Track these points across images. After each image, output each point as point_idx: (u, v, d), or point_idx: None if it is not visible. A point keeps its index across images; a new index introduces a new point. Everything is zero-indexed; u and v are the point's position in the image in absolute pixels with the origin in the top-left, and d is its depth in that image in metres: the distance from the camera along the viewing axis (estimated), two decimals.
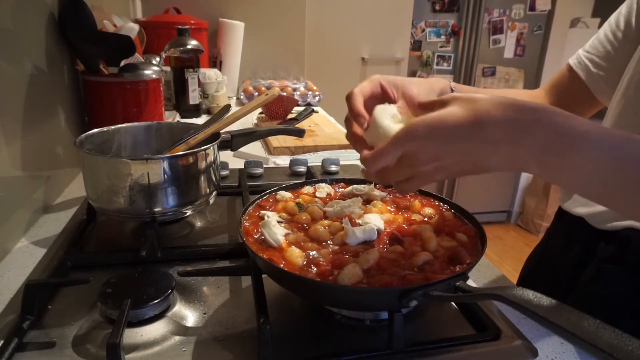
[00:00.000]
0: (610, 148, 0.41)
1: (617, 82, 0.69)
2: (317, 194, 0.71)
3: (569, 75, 0.78)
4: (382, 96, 0.61)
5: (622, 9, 0.71)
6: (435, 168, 0.45)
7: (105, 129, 0.82)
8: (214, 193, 0.79)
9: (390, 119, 0.51)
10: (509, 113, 0.42)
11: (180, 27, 1.52)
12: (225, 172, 1.02)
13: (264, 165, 1.09)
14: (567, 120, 0.42)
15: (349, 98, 0.57)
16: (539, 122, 0.42)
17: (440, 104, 0.46)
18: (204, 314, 0.57)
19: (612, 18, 0.73)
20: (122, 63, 1.10)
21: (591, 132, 0.41)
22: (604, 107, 0.76)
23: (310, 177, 0.98)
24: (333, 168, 1.09)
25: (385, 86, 0.61)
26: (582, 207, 0.71)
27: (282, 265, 0.51)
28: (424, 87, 0.63)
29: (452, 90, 0.68)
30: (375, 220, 0.60)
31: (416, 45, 3.14)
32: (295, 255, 0.53)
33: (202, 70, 1.72)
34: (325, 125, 1.53)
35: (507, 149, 0.43)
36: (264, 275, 0.57)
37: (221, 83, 1.80)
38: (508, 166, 0.44)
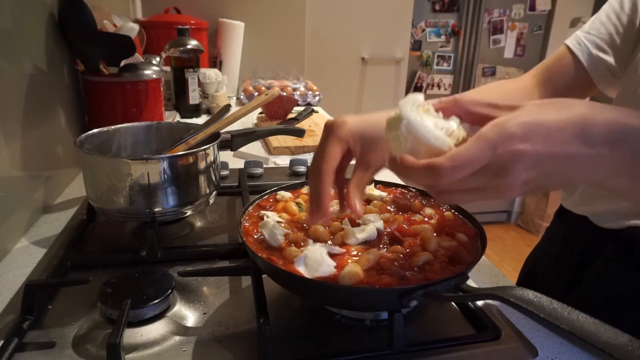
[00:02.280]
0: None
1: (621, 70, 0.65)
2: None
3: (566, 58, 0.71)
4: (347, 155, 0.52)
5: None
6: (525, 182, 0.37)
7: (105, 129, 0.82)
8: (214, 193, 0.79)
9: (433, 124, 0.39)
10: (608, 111, 0.37)
11: (180, 27, 1.52)
12: (225, 172, 1.02)
13: (264, 165, 1.09)
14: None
15: (312, 177, 0.49)
16: (634, 125, 0.37)
17: (511, 108, 0.38)
18: (204, 314, 0.57)
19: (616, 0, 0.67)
20: (122, 63, 1.10)
21: None
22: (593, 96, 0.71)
23: None
24: None
25: (350, 145, 0.51)
26: (585, 206, 0.70)
27: (281, 265, 0.51)
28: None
29: None
30: (375, 220, 0.60)
31: (416, 45, 3.14)
32: (295, 255, 0.53)
33: (202, 70, 1.72)
34: None
35: (604, 156, 0.37)
36: (264, 275, 0.57)
37: (221, 83, 1.80)
38: (598, 176, 0.39)
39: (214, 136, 0.80)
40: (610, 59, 0.68)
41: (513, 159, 0.35)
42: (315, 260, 0.51)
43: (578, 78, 0.70)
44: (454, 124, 0.40)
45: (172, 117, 1.56)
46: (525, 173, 0.36)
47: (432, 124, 0.39)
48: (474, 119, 0.40)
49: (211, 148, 0.75)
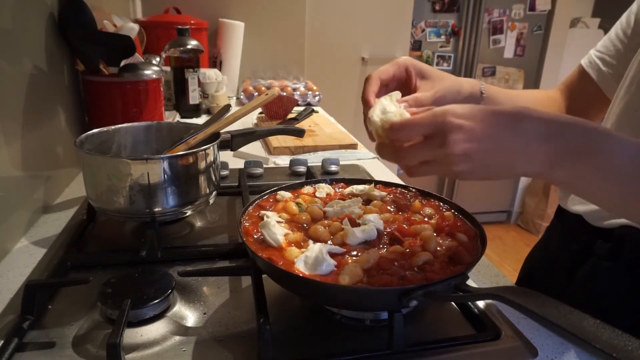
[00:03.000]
0: (635, 154, 0.44)
1: None
2: (317, 194, 0.71)
3: (580, 76, 0.78)
4: (406, 81, 0.61)
5: (633, 6, 0.71)
6: (465, 154, 0.44)
7: (105, 129, 0.82)
8: (214, 193, 0.79)
9: (393, 110, 0.51)
10: (546, 113, 0.44)
11: (180, 27, 1.52)
12: (225, 172, 1.02)
13: (264, 165, 1.09)
14: (597, 126, 0.45)
15: (365, 82, 0.57)
16: (573, 123, 0.44)
17: None
18: (204, 314, 0.57)
19: (624, 16, 0.73)
20: (122, 63, 1.11)
21: (618, 138, 0.44)
22: None
23: (310, 177, 0.98)
24: (333, 168, 1.09)
25: (411, 72, 0.61)
26: (580, 205, 0.72)
27: (281, 265, 0.51)
28: (451, 90, 0.62)
29: (482, 94, 0.67)
30: (375, 220, 0.60)
31: (416, 45, 3.14)
32: (295, 255, 0.53)
33: (202, 70, 1.72)
34: (325, 125, 1.53)
35: (539, 147, 0.43)
36: (264, 275, 0.57)
37: (221, 83, 1.80)
38: (535, 167, 0.45)
39: (214, 136, 0.80)
40: (617, 72, 0.72)
41: (451, 129, 0.43)
42: (315, 260, 0.51)
43: (594, 94, 0.76)
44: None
45: (172, 117, 1.56)
46: (463, 144, 0.43)
47: (394, 107, 0.52)
48: None
49: (211, 148, 0.75)
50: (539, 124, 0.44)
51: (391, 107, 0.52)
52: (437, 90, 0.61)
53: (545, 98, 0.79)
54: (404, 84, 0.63)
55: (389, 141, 0.49)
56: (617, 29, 0.73)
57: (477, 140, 0.43)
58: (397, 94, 0.56)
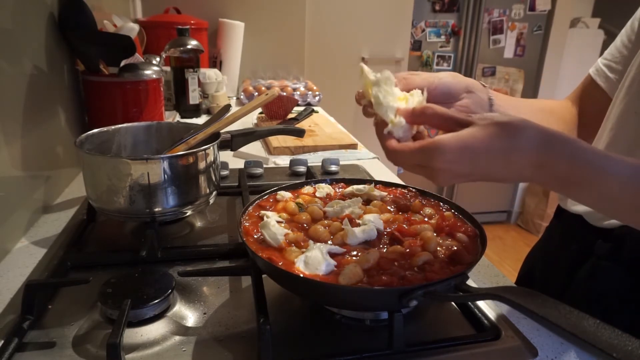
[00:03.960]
0: (628, 178, 0.45)
1: None
2: (317, 194, 0.71)
3: (589, 85, 0.78)
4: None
5: (637, 13, 0.71)
6: (452, 181, 0.47)
7: (105, 129, 0.82)
8: (214, 193, 0.79)
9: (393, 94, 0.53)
10: (538, 140, 0.45)
11: (180, 27, 1.52)
12: (225, 172, 1.02)
13: (264, 165, 1.09)
14: (589, 156, 0.46)
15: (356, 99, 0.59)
16: (564, 152, 0.45)
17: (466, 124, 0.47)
18: (204, 314, 0.57)
19: (628, 23, 0.73)
20: (122, 63, 1.11)
21: (608, 165, 0.45)
22: None
23: (310, 177, 0.98)
24: (333, 168, 1.09)
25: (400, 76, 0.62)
26: (580, 205, 0.72)
27: (281, 265, 0.51)
28: (443, 75, 0.64)
29: (490, 100, 0.66)
30: (375, 220, 0.60)
31: (416, 45, 3.14)
32: (295, 255, 0.53)
33: (202, 70, 1.72)
34: (325, 125, 1.53)
35: (530, 174, 0.46)
36: (264, 275, 0.57)
37: (221, 83, 1.80)
38: (525, 181, 0.48)
39: (214, 136, 0.80)
40: (622, 77, 0.71)
41: (438, 170, 0.46)
42: (316, 260, 0.51)
43: (604, 102, 0.75)
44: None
45: (172, 117, 1.56)
46: (450, 179, 0.47)
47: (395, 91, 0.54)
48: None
49: (211, 148, 0.75)
50: (530, 154, 0.45)
51: (395, 91, 0.54)
52: (430, 78, 0.61)
53: (558, 106, 0.80)
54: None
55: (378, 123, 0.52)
56: (622, 36, 0.73)
57: (465, 176, 0.47)
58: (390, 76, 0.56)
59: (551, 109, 0.78)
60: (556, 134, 0.46)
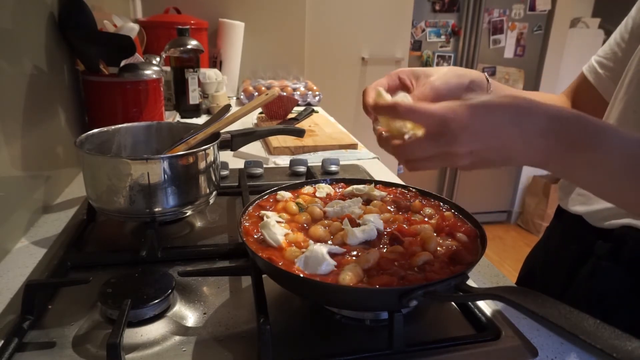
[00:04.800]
0: (631, 151, 0.45)
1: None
2: (317, 194, 0.71)
3: (582, 82, 0.79)
4: (402, 87, 0.63)
5: (632, 11, 0.72)
6: (470, 153, 0.45)
7: (105, 129, 0.82)
8: (214, 193, 0.79)
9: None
10: (550, 108, 0.45)
11: (180, 27, 1.52)
12: (225, 172, 1.02)
13: (264, 165, 1.09)
14: (596, 122, 0.45)
15: (363, 94, 0.58)
16: (571, 117, 0.45)
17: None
18: (204, 314, 0.57)
19: (623, 22, 0.74)
20: (122, 63, 1.10)
21: (614, 134, 0.45)
22: None
23: (310, 177, 0.98)
24: (333, 168, 1.09)
25: (404, 78, 0.62)
26: (580, 206, 0.72)
27: (281, 265, 0.51)
28: (448, 76, 0.62)
29: (488, 81, 0.67)
30: (375, 220, 0.60)
31: (416, 45, 3.14)
32: (295, 255, 0.53)
33: (202, 70, 1.72)
34: (325, 125, 1.53)
35: (538, 143, 0.45)
36: (264, 275, 0.57)
37: (221, 83, 1.80)
38: (532, 160, 0.46)
39: (214, 136, 0.80)
40: (613, 74, 0.73)
41: (460, 129, 0.43)
42: (316, 260, 0.51)
43: (596, 98, 0.76)
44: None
45: (172, 117, 1.56)
46: (470, 144, 0.44)
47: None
48: None
49: (211, 148, 0.75)
50: (540, 118, 0.44)
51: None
52: (432, 80, 0.61)
53: (555, 100, 0.80)
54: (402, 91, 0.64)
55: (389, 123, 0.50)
56: (615, 34, 0.74)
57: (484, 139, 0.44)
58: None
59: (549, 100, 0.79)
60: (565, 107, 0.47)
